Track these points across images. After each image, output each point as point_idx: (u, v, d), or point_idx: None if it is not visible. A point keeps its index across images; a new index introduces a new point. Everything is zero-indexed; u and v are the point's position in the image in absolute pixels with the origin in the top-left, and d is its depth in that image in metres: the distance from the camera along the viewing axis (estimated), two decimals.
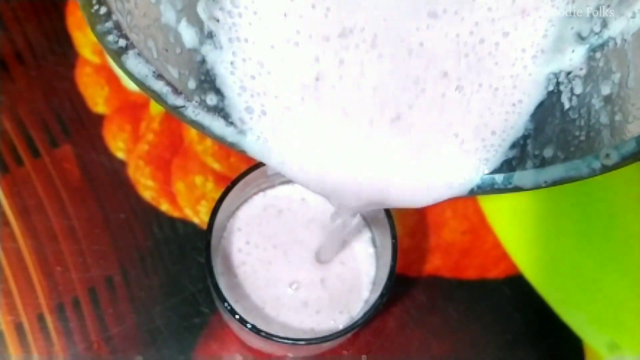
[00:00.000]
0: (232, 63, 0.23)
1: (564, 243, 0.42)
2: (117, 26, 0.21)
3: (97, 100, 0.43)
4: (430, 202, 0.25)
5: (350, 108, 0.23)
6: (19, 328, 0.38)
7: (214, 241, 0.33)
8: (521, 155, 0.24)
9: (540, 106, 0.24)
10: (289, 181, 0.37)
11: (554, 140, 0.23)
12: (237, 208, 0.37)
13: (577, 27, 0.23)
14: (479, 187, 0.24)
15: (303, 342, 0.32)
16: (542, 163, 0.23)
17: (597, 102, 0.22)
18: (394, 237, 0.33)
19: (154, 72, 0.21)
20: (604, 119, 0.22)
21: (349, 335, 0.33)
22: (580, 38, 0.23)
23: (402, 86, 0.23)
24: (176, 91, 0.22)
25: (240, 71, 0.23)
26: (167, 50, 0.22)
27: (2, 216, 0.40)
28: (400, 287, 0.40)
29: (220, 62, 0.23)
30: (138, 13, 0.21)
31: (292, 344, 0.32)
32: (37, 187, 0.41)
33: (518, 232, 0.42)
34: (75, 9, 0.45)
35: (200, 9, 0.23)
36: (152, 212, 0.41)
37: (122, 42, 0.21)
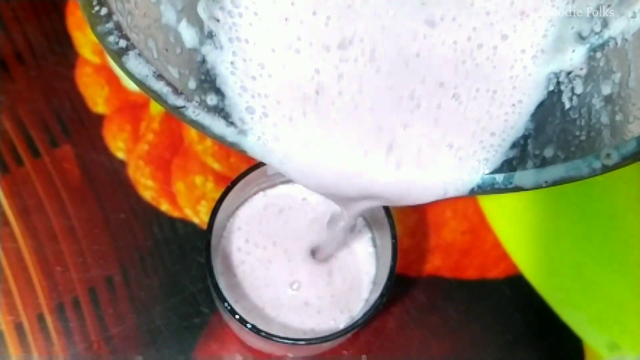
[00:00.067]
0: (232, 63, 0.23)
1: (564, 243, 0.42)
2: (118, 27, 0.21)
3: (97, 100, 0.43)
4: (430, 201, 0.25)
5: (349, 132, 0.24)
6: (19, 328, 0.38)
7: (214, 241, 0.33)
8: (522, 155, 0.24)
9: (541, 106, 0.24)
10: (289, 180, 0.37)
11: (554, 140, 0.23)
12: (237, 207, 0.37)
13: (578, 27, 0.23)
14: (479, 186, 0.24)
15: (303, 342, 0.32)
16: (543, 163, 0.23)
17: (597, 102, 0.22)
18: (394, 237, 0.33)
19: (154, 72, 0.21)
20: (604, 118, 0.22)
21: (349, 335, 0.33)
22: (581, 38, 0.23)
23: (398, 103, 0.23)
24: (176, 91, 0.22)
25: (241, 71, 0.23)
26: (167, 50, 0.22)
27: (2, 216, 0.40)
28: (400, 287, 0.40)
29: (221, 62, 0.23)
30: (138, 13, 0.21)
31: (292, 344, 0.32)
32: (37, 187, 0.41)
33: (518, 232, 0.42)
34: (75, 9, 0.44)
35: (201, 9, 0.23)
36: (152, 212, 0.41)
37: (122, 43, 0.21)
